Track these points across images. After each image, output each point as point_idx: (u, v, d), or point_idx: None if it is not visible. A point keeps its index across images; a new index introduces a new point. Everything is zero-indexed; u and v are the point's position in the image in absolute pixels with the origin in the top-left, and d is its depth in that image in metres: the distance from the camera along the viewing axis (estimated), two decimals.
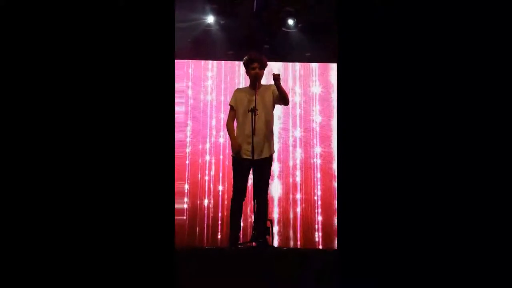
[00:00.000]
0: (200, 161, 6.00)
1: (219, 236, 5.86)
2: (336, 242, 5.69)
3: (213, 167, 6.01)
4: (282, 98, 4.11)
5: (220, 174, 5.98)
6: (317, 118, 6.17)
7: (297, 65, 6.22)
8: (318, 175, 6.05)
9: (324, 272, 3.08)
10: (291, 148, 6.10)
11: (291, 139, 6.12)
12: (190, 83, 6.12)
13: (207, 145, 6.04)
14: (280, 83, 4.00)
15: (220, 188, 5.95)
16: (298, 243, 5.85)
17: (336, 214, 5.60)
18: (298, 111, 6.17)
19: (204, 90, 6.13)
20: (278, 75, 3.99)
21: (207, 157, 6.01)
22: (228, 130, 4.26)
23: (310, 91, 6.20)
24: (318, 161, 6.09)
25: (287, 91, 4.19)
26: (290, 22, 5.80)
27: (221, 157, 5.99)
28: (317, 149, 6.11)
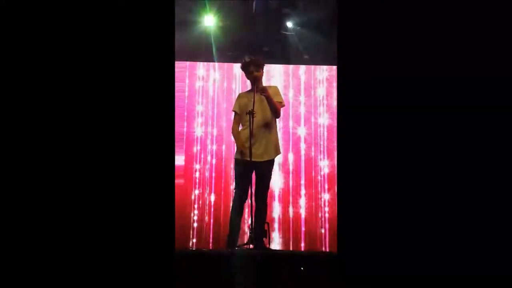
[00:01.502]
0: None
1: (210, 237, 5.85)
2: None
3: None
4: (272, 110, 4.14)
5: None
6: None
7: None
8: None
9: (322, 275, 3.08)
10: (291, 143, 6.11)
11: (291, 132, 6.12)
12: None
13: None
14: (268, 96, 4.03)
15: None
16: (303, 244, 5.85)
17: (337, 216, 5.57)
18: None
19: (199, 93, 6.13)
20: (264, 89, 4.01)
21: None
22: (233, 134, 4.30)
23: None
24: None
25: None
26: (289, 24, 5.81)
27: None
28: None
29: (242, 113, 4.18)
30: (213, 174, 5.98)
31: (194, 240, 5.82)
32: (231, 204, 4.18)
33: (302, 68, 6.18)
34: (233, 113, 4.32)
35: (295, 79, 6.19)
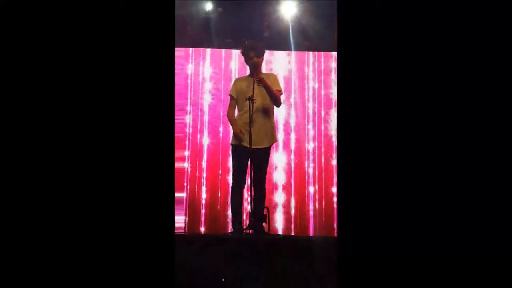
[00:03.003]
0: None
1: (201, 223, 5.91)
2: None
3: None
4: (272, 99, 4.16)
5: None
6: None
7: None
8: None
9: (321, 259, 3.12)
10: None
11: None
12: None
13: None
14: (266, 86, 4.05)
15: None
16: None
17: (336, 200, 5.63)
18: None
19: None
20: (261, 78, 4.02)
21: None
22: (229, 119, 4.31)
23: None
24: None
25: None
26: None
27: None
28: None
29: (239, 98, 4.19)
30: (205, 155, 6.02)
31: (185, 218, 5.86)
32: (230, 191, 4.23)
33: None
34: (229, 97, 4.34)
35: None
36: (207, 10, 5.74)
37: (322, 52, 6.13)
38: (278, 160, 5.98)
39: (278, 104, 4.23)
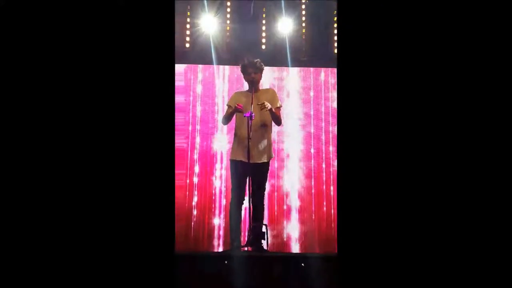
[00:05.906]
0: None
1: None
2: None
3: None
4: (275, 120, 4.16)
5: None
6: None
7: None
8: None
9: (321, 277, 3.09)
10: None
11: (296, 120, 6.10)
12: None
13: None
14: (270, 110, 4.04)
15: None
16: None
17: (336, 217, 5.58)
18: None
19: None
20: (263, 103, 4.00)
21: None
22: (223, 122, 4.32)
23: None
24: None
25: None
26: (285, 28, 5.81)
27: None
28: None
29: (237, 113, 4.15)
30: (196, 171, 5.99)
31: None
32: (228, 207, 4.19)
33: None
34: (226, 106, 4.32)
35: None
36: (204, 26, 5.77)
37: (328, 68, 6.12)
38: None
39: (279, 123, 4.22)
